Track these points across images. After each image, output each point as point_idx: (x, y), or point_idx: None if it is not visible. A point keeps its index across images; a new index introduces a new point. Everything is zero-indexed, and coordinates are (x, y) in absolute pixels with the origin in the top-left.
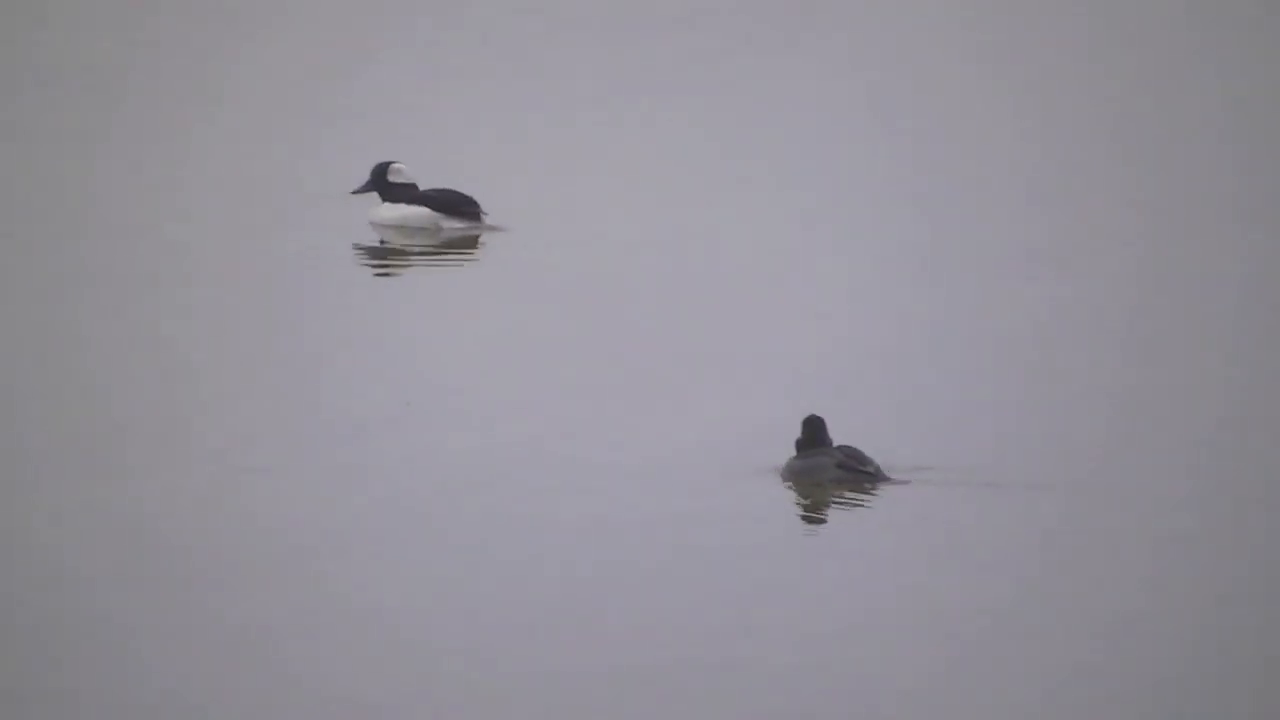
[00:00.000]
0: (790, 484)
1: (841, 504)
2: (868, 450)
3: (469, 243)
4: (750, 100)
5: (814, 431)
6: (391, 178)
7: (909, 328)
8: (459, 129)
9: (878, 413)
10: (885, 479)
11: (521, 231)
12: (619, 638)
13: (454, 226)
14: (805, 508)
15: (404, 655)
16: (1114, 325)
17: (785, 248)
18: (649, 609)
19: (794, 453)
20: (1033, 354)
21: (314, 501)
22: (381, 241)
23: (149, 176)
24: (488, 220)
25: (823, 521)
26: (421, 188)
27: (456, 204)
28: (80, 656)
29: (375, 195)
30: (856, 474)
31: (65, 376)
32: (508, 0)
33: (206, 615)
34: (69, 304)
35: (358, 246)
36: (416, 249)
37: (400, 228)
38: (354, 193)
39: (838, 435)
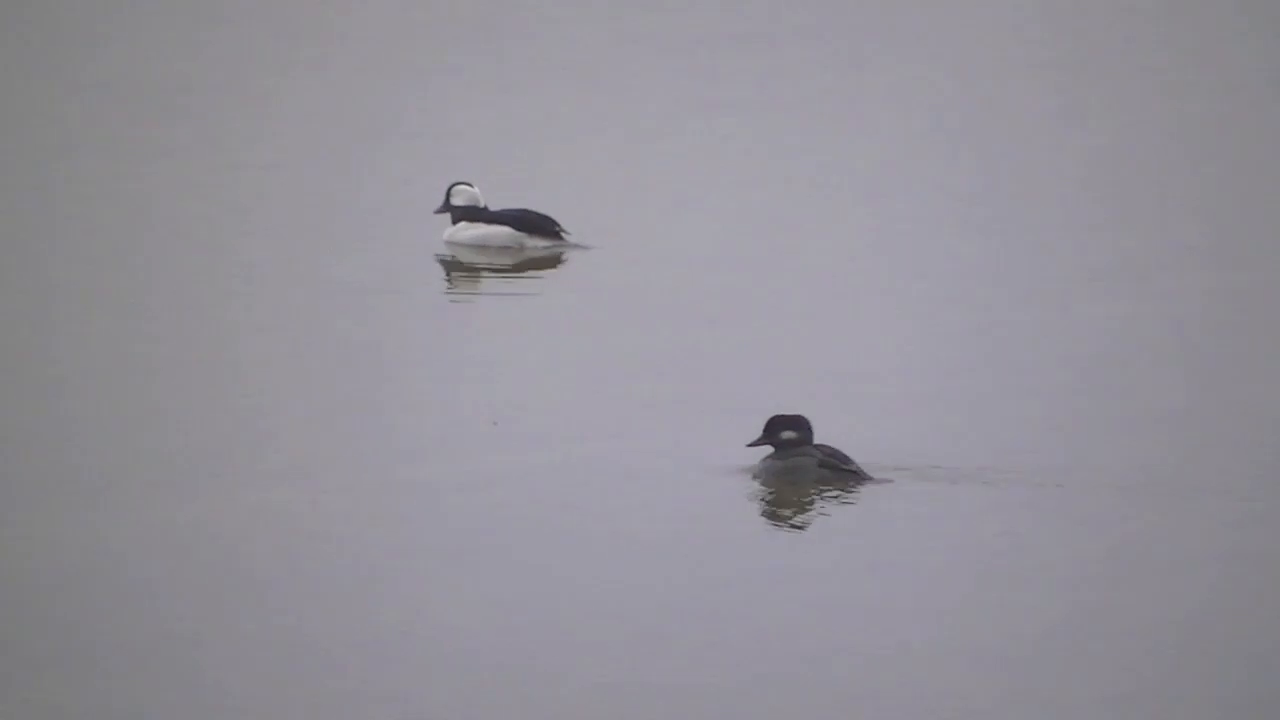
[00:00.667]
0: (767, 485)
1: (840, 503)
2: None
3: (550, 261)
4: (827, 118)
5: (781, 430)
6: (454, 199)
7: (976, 345)
8: (534, 148)
9: (939, 427)
10: (868, 478)
11: (603, 250)
12: (688, 656)
13: (537, 245)
14: (800, 511)
15: (475, 674)
16: (1178, 343)
17: (860, 266)
18: (723, 626)
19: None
20: (1094, 370)
21: (391, 521)
22: (459, 260)
23: (231, 195)
24: (569, 239)
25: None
26: (492, 208)
27: (538, 223)
28: (153, 676)
29: (449, 215)
30: (840, 473)
31: (137, 395)
32: (583, 19)
33: (280, 634)
34: (139, 323)
35: (438, 265)
36: (498, 268)
37: (481, 247)
38: (436, 212)
39: (893, 446)
